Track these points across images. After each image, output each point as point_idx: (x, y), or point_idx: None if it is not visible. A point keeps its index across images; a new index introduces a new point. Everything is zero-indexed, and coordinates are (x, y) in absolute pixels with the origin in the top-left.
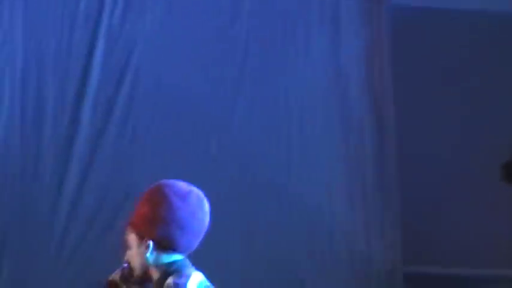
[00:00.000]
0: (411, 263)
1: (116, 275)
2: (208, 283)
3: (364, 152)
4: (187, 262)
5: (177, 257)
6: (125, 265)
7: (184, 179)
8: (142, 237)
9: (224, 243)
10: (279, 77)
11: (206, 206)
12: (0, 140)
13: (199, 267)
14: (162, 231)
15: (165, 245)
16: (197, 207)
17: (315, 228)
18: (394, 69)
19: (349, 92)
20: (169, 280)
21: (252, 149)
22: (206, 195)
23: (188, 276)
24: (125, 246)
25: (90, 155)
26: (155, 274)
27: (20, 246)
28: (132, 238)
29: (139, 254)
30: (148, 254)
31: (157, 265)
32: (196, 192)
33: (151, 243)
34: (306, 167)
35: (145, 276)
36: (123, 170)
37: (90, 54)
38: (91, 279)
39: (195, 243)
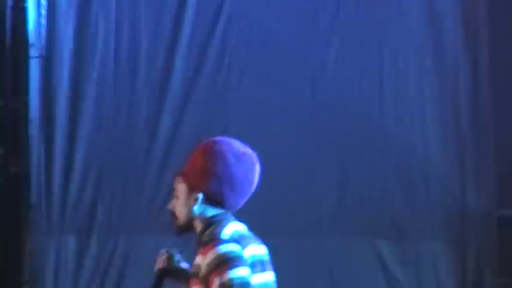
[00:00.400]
0: (505, 206)
1: (164, 262)
2: (247, 233)
3: (459, 95)
4: (229, 215)
5: (220, 211)
6: (163, 251)
7: (279, 122)
8: (192, 189)
9: (319, 182)
10: (372, 19)
11: (258, 168)
12: (94, 83)
13: (295, 204)
14: (214, 187)
15: (213, 200)
16: (250, 168)
17: (409, 169)
18: (490, 11)
19: (443, 35)
20: (208, 231)
21: (345, 91)
22: (301, 136)
23: (224, 226)
24: (171, 196)
25: (184, 100)
26: (198, 226)
27: (115, 192)
28: (181, 188)
29: (187, 205)
30: (196, 207)
31: (202, 218)
32: (251, 153)
33: (201, 196)
34: (400, 111)
35: (187, 227)
36: (217, 115)
37: None
38: None
39: (241, 203)
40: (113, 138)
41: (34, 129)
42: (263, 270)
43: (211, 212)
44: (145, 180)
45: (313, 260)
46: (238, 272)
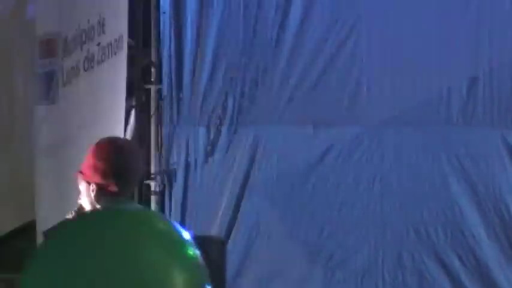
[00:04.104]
0: None
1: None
2: None
3: None
4: (124, 202)
5: (113, 199)
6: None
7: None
8: (89, 183)
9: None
10: None
11: (139, 157)
12: None
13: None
14: (101, 178)
15: (104, 189)
16: (130, 159)
17: None
18: None
19: None
20: None
21: None
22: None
23: None
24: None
25: None
26: None
27: (244, 83)
28: (82, 184)
29: (89, 197)
30: (94, 197)
31: (101, 205)
32: (132, 146)
33: (94, 187)
34: None
35: None
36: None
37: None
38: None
39: (128, 189)
40: (242, 29)
41: (165, 21)
42: None
43: (107, 200)
44: (274, 70)
45: (442, 149)
46: None
